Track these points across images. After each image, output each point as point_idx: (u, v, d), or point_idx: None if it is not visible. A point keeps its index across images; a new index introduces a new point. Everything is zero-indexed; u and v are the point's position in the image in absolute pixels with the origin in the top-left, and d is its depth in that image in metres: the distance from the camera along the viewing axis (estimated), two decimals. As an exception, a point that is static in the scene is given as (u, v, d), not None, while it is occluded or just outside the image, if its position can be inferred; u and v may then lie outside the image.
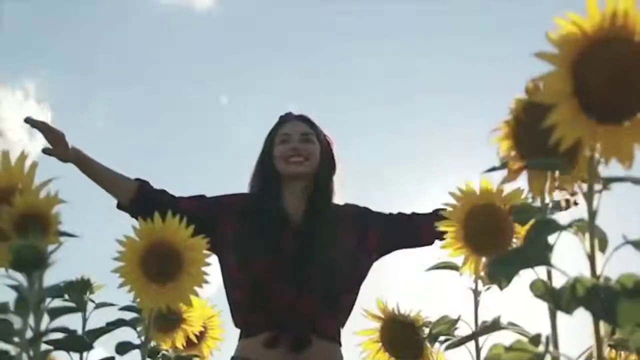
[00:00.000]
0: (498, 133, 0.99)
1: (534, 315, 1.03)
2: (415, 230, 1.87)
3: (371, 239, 1.87)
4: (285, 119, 1.96)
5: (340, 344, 1.81)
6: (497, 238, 1.22)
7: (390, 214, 1.93)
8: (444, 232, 1.72)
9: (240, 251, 1.77)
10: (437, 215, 1.81)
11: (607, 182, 0.85)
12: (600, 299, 0.78)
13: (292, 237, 1.79)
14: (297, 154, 1.86)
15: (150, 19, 5.93)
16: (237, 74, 5.90)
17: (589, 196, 0.87)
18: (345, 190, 1.98)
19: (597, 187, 0.87)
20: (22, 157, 0.99)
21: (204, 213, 1.80)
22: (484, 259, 1.23)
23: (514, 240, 1.23)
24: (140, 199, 1.81)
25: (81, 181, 1.81)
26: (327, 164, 1.92)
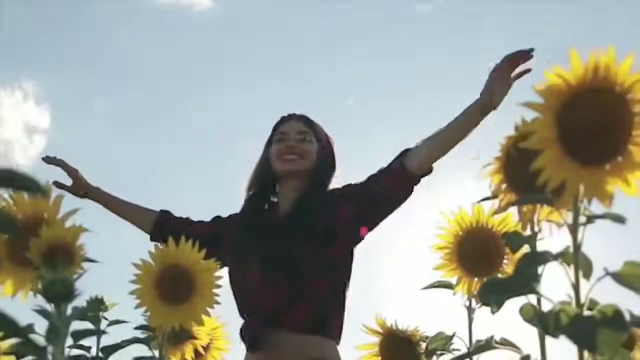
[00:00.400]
0: (490, 168, 1.07)
1: (526, 332, 1.11)
2: (384, 189, 1.78)
3: (343, 215, 1.78)
4: (285, 119, 1.95)
5: (322, 334, 1.73)
6: (490, 261, 1.29)
7: (362, 182, 1.84)
8: (413, 181, 1.70)
9: (230, 261, 1.82)
10: (399, 161, 1.76)
11: (590, 218, 0.93)
12: (582, 328, 0.86)
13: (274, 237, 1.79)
14: (292, 152, 1.85)
15: (149, 20, 5.97)
16: (237, 74, 5.95)
17: (573, 230, 0.95)
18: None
19: (582, 220, 0.95)
20: (48, 188, 1.06)
21: (214, 233, 1.88)
22: (476, 280, 1.31)
23: (505, 262, 1.31)
24: (160, 229, 1.93)
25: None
26: (325, 162, 1.89)
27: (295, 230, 1.76)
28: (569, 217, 0.96)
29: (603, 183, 0.89)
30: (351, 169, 2.02)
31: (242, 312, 1.81)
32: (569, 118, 0.89)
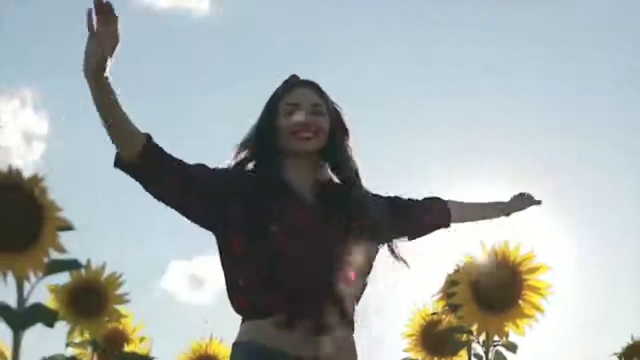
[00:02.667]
0: (437, 296, 1.54)
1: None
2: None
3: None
4: (292, 83, 1.67)
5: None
6: (444, 346, 1.76)
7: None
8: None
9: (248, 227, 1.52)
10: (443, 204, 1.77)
11: (495, 344, 1.39)
12: None
13: (305, 210, 1.58)
14: (306, 128, 1.59)
15: (148, 26, 5.91)
16: (237, 78, 5.85)
17: (486, 352, 1.41)
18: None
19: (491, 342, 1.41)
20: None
21: (214, 187, 1.58)
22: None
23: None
24: (148, 160, 1.53)
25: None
26: (338, 136, 1.65)
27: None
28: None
29: (501, 326, 1.35)
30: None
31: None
32: (478, 284, 1.35)
